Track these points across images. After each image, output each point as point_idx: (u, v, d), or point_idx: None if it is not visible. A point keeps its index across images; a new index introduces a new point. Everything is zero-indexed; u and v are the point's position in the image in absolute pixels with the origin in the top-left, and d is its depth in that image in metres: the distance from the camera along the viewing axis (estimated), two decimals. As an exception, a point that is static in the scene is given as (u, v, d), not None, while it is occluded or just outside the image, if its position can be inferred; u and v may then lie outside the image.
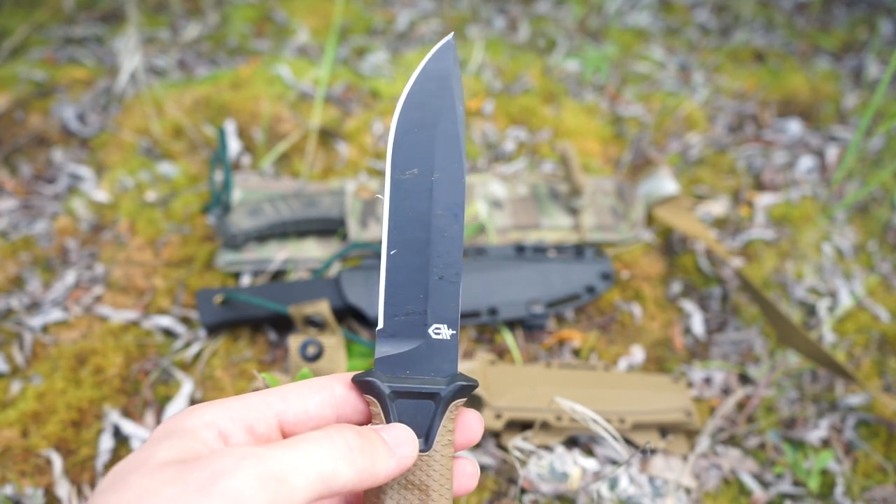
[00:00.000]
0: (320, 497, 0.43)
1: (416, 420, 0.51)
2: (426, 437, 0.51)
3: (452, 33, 0.57)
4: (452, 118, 0.55)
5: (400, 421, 0.50)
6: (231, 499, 0.38)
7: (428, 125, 0.55)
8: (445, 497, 0.51)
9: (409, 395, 0.51)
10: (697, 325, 1.10)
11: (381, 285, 0.53)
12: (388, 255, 0.54)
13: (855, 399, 1.00)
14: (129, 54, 1.34)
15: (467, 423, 0.54)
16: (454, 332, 0.54)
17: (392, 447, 0.48)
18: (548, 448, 0.91)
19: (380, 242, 1.11)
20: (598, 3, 1.87)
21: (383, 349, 0.53)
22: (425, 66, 0.56)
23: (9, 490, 0.84)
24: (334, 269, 1.10)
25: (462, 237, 0.54)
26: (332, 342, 0.90)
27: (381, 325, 0.53)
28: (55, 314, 1.03)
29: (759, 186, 1.37)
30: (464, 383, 0.52)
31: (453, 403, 0.51)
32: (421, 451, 0.50)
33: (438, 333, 0.53)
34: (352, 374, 0.52)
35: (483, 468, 0.89)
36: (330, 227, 1.13)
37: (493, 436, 0.92)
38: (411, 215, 0.54)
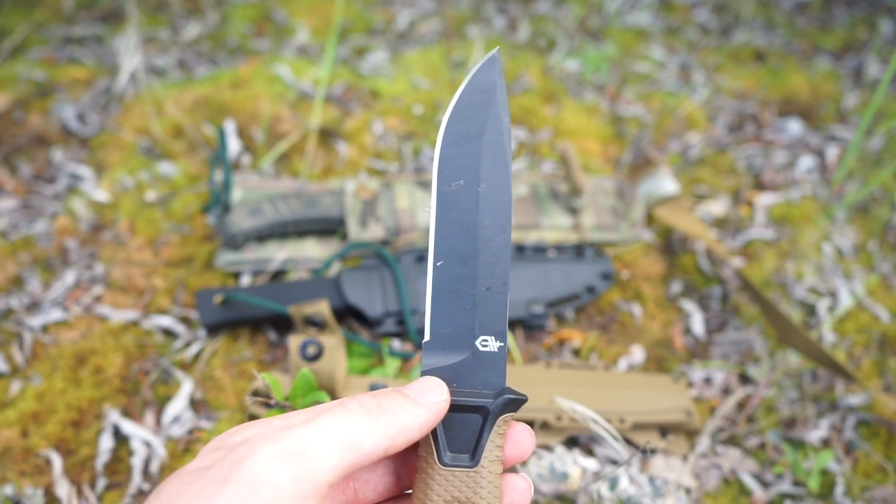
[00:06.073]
0: (353, 466, 0.42)
1: (463, 434, 0.50)
2: (473, 453, 0.50)
3: (497, 48, 0.58)
4: (498, 129, 0.55)
5: (446, 435, 0.50)
6: (251, 480, 0.38)
7: (474, 137, 0.55)
8: None
9: (455, 408, 0.50)
10: (697, 325, 1.10)
11: (428, 297, 0.54)
12: (435, 267, 0.54)
13: (855, 399, 1.00)
14: (129, 54, 1.33)
15: (516, 438, 0.53)
16: (502, 344, 0.53)
17: (417, 398, 0.48)
18: (548, 448, 0.91)
19: (379, 242, 1.11)
20: (598, 3, 1.87)
21: (430, 361, 0.52)
22: (471, 79, 0.56)
23: (9, 490, 0.84)
24: (334, 269, 1.10)
25: (509, 247, 0.54)
26: (332, 342, 0.89)
27: (427, 337, 0.53)
28: (55, 314, 1.03)
29: (759, 186, 1.37)
30: (512, 396, 0.51)
31: (501, 418, 0.51)
32: (468, 466, 0.50)
33: (486, 346, 0.53)
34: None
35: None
36: (330, 227, 1.13)
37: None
38: (458, 226, 0.54)
